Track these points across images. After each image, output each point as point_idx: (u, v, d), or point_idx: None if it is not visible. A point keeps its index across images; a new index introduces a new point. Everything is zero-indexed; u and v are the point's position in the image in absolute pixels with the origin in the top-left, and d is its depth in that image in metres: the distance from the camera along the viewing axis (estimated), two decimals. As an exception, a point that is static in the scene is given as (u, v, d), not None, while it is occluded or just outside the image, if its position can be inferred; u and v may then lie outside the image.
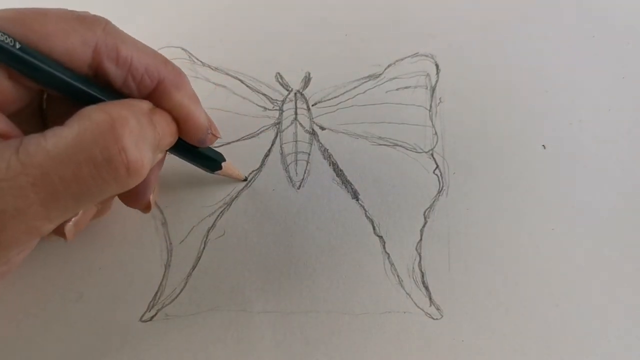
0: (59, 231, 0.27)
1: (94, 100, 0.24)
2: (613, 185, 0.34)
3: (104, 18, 0.25)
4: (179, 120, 0.27)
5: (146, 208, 0.29)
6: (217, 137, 0.29)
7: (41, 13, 0.23)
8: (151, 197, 0.29)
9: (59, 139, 0.21)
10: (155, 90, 0.26)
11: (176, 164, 0.35)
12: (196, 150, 0.30)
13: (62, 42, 0.23)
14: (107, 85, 0.25)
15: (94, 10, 0.25)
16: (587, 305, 0.31)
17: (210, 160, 0.31)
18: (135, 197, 0.28)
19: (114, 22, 0.25)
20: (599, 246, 0.32)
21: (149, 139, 0.24)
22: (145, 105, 0.25)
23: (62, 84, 0.23)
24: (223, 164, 0.32)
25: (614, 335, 0.30)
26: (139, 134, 0.23)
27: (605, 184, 0.34)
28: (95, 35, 0.24)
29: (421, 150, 0.35)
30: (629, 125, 0.36)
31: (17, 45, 0.21)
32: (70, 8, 0.24)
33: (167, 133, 0.26)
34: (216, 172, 0.32)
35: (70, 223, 0.27)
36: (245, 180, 0.34)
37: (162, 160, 0.29)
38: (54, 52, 0.23)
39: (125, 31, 0.25)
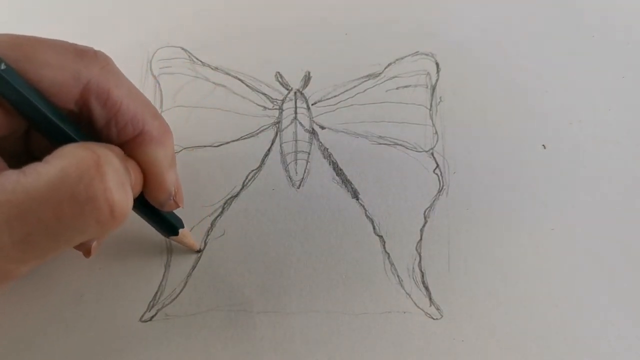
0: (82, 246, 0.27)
1: (63, 138, 0.23)
2: (613, 185, 0.34)
3: (105, 56, 0.24)
4: (146, 176, 0.26)
5: (87, 253, 0.27)
6: (178, 206, 0.28)
7: (38, 41, 0.22)
8: (94, 244, 0.27)
9: (39, 176, 0.20)
10: (134, 140, 0.25)
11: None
12: (155, 211, 0.28)
13: (53, 73, 0.22)
14: (87, 124, 0.24)
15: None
16: (587, 305, 0.31)
17: (167, 224, 0.30)
18: None
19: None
20: (599, 246, 0.32)
21: (129, 182, 0.23)
22: (119, 150, 0.24)
23: (37, 114, 0.22)
24: (180, 230, 0.30)
25: (614, 335, 0.30)
26: (124, 176, 0.22)
27: (605, 184, 0.34)
28: (90, 73, 0.23)
29: (421, 150, 0.35)
30: (629, 125, 0.36)
31: (2, 66, 0.21)
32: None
33: (137, 183, 0.25)
34: (171, 237, 0.31)
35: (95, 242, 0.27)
36: (199, 251, 0.33)
37: None
38: (43, 82, 0.22)
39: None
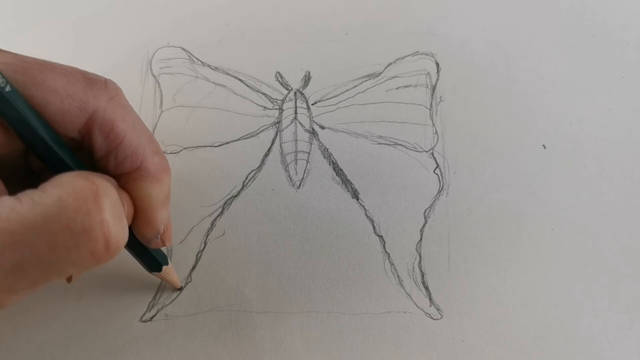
0: None
1: (59, 165, 0.22)
2: (613, 185, 0.34)
3: (115, 87, 0.24)
4: (137, 211, 0.25)
5: (68, 279, 0.26)
6: (165, 245, 0.27)
7: (49, 66, 0.22)
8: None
9: (35, 204, 0.19)
10: (131, 174, 0.24)
11: (175, 165, 0.35)
12: (141, 245, 0.27)
13: (60, 100, 0.22)
14: (86, 152, 0.24)
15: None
16: (587, 305, 0.31)
17: (151, 259, 0.29)
18: None
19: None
20: (599, 246, 0.32)
21: (125, 215, 0.22)
22: (113, 182, 0.23)
23: (36, 140, 0.22)
24: (164, 267, 0.29)
25: (614, 335, 0.30)
26: (120, 208, 0.21)
27: (605, 184, 0.34)
28: (97, 103, 0.23)
29: (421, 150, 0.35)
30: (629, 125, 0.36)
31: (7, 89, 0.20)
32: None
33: (128, 216, 0.24)
34: (153, 272, 0.30)
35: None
36: (180, 289, 0.32)
37: None
38: (48, 109, 0.22)
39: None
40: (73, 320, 0.31)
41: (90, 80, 0.23)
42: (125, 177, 0.24)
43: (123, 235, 0.21)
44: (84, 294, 0.31)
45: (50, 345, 0.30)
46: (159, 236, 0.26)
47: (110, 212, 0.20)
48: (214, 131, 0.36)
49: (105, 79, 0.24)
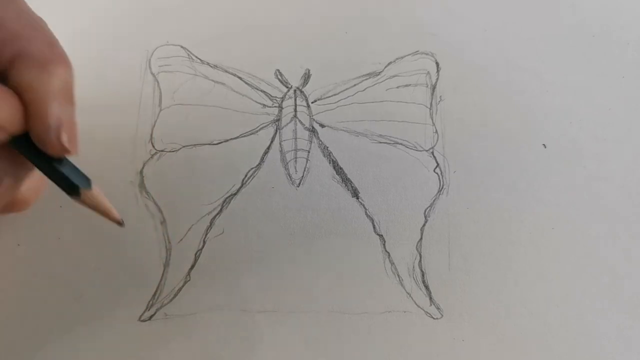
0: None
1: None
2: (613, 185, 0.34)
3: None
4: (26, 107, 0.21)
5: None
6: (65, 149, 0.22)
7: None
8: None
9: None
10: (13, 63, 0.21)
11: (174, 163, 0.35)
12: (50, 161, 0.23)
13: None
14: None
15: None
16: (587, 305, 0.31)
17: (63, 179, 0.23)
18: None
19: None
20: (599, 246, 0.32)
21: None
22: None
23: None
24: (86, 192, 0.23)
25: (614, 335, 0.30)
26: None
27: (605, 184, 0.34)
28: None
29: (422, 149, 0.35)
30: (629, 125, 0.36)
31: None
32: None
33: (6, 115, 0.21)
34: (74, 198, 0.24)
35: None
36: (120, 224, 0.25)
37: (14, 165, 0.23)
38: None
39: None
40: (72, 320, 0.31)
41: None
42: (10, 68, 0.22)
43: None
44: (83, 293, 0.31)
45: (48, 344, 0.30)
46: (55, 136, 0.22)
47: None
48: (214, 129, 0.36)
49: None
